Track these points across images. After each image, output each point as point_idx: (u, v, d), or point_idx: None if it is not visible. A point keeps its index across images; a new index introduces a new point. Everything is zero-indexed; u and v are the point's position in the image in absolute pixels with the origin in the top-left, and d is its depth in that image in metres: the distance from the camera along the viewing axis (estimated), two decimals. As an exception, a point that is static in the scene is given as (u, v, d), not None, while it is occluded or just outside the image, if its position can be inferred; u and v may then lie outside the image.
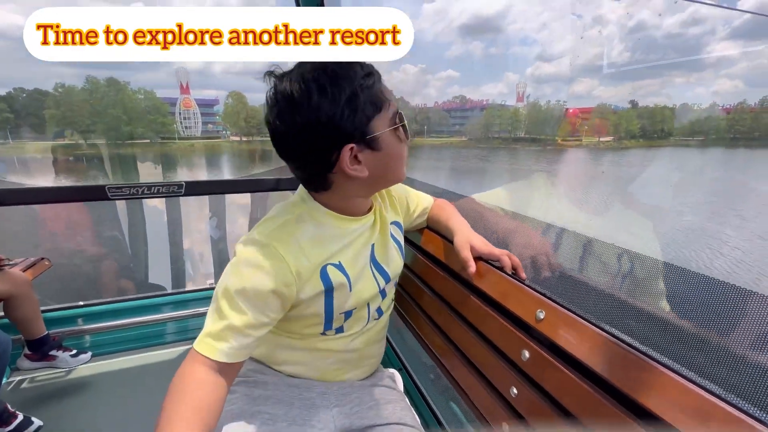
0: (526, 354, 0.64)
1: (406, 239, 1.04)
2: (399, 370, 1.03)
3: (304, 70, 0.63)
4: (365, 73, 0.64)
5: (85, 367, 1.62)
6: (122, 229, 2.57)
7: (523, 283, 0.69)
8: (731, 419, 0.39)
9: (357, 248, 0.76)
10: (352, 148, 0.64)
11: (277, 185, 1.82)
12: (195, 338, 0.66)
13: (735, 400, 0.41)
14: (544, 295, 0.64)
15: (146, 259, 2.63)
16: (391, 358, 1.38)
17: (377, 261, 0.81)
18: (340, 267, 0.73)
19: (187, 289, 1.95)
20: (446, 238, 0.90)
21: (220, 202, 2.64)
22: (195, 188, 1.70)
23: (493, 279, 0.75)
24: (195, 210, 2.71)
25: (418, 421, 0.86)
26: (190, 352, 0.65)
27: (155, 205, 2.64)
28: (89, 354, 1.63)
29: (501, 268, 0.74)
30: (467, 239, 0.81)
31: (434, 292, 0.94)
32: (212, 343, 0.64)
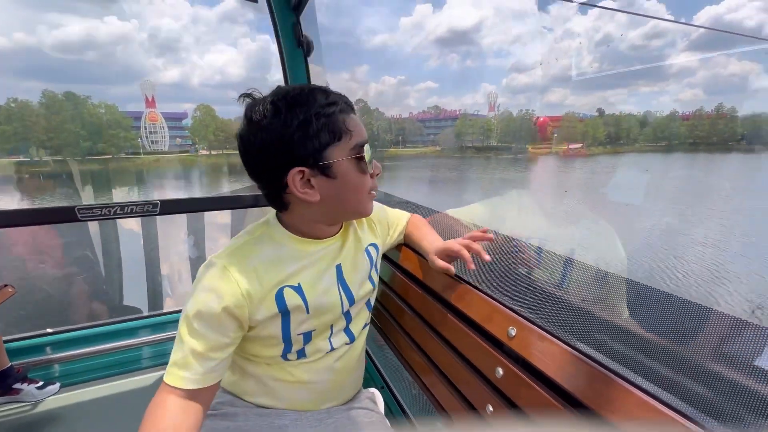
0: (500, 371, 0.66)
1: (386, 257, 1.06)
2: (381, 389, 1.04)
3: (270, 94, 0.67)
4: (328, 102, 0.66)
5: (53, 399, 1.53)
6: (95, 250, 2.47)
7: (495, 300, 0.72)
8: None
9: (319, 270, 0.77)
10: (303, 171, 0.66)
11: (255, 201, 1.77)
12: None
13: (693, 414, 0.44)
14: (514, 311, 0.68)
15: (121, 281, 2.54)
16: (373, 376, 1.38)
17: (345, 283, 0.81)
18: (298, 289, 0.73)
19: (165, 310, 1.88)
20: (422, 255, 0.93)
21: (199, 220, 2.58)
22: (171, 207, 1.65)
23: (467, 296, 0.78)
24: (173, 228, 2.65)
25: None
26: (161, 384, 0.64)
27: (131, 227, 2.56)
28: (57, 385, 1.54)
29: (476, 286, 0.77)
30: (436, 249, 0.85)
31: (413, 310, 0.96)
32: (178, 372, 0.64)
